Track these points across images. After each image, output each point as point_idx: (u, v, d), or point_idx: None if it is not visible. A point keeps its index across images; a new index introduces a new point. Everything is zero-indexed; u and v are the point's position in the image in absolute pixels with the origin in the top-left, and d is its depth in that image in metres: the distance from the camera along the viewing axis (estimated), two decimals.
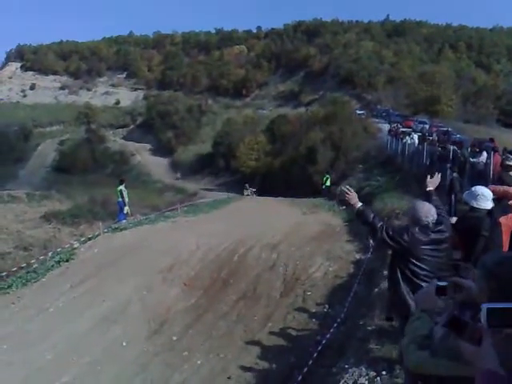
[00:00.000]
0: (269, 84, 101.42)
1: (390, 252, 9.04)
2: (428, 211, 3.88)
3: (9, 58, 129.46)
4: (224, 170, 54.52)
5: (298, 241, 12.86)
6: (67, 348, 7.85)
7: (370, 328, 6.41)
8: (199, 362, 7.49)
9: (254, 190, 34.55)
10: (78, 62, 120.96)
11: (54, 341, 8.05)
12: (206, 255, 11.98)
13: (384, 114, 55.23)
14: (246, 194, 33.04)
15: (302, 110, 64.00)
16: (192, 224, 16.02)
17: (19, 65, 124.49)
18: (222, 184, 48.93)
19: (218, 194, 37.50)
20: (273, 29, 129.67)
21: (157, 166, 66.13)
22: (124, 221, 16.61)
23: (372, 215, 4.07)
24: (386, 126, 39.41)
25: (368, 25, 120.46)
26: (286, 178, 36.23)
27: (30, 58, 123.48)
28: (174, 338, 8.35)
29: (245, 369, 7.03)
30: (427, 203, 4.05)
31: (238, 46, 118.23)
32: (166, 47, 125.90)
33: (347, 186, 4.31)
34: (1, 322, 8.88)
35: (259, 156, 46.83)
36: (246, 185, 34.92)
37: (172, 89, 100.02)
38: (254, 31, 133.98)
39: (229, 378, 6.92)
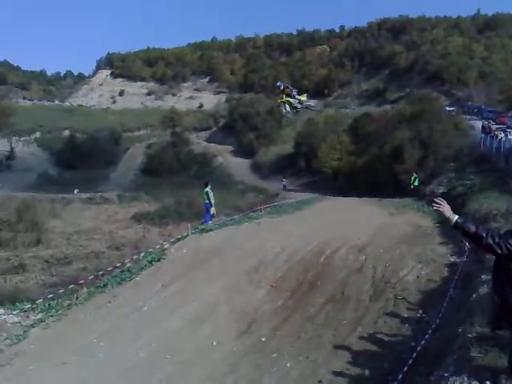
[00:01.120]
0: (352, 83, 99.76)
1: (486, 256, 8.51)
2: None
3: (99, 66, 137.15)
4: (305, 170, 54.23)
5: (386, 243, 12.39)
6: (160, 346, 8.08)
7: (470, 335, 5.99)
8: (288, 364, 7.42)
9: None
10: (163, 68, 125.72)
11: (148, 339, 8.32)
12: (291, 257, 11.89)
13: (476, 110, 52.56)
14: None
15: (387, 107, 62.10)
16: (276, 225, 15.97)
17: (109, 72, 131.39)
18: (304, 184, 48.70)
19: (299, 194, 37.34)
20: (356, 27, 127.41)
21: (239, 167, 67.12)
22: (210, 222, 16.90)
23: (474, 226, 3.79)
24: (478, 123, 37.33)
25: (457, 20, 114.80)
26: (370, 177, 35.30)
27: (119, 66, 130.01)
28: (263, 339, 8.35)
29: (336, 373, 6.86)
30: None
31: (320, 46, 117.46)
32: (248, 50, 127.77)
33: (439, 198, 4.03)
34: (99, 319, 9.32)
35: (342, 155, 46.03)
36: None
37: (254, 91, 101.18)
38: (337, 30, 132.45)
39: (319, 382, 6.78)
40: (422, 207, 19.59)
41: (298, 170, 55.72)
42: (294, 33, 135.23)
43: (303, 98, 14.72)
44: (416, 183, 26.29)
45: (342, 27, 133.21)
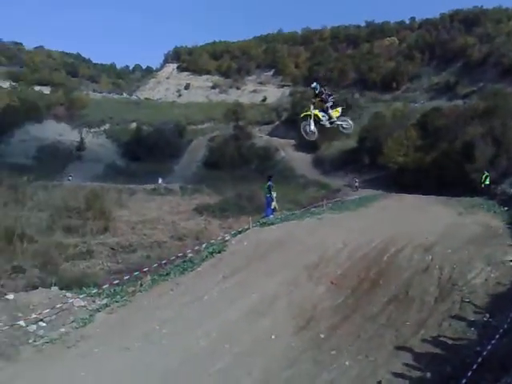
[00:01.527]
0: (421, 76, 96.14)
1: None
2: None
3: (167, 60, 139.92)
4: (369, 166, 52.99)
5: (454, 243, 11.86)
6: (219, 336, 8.17)
7: None
8: (347, 362, 7.33)
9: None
10: (229, 61, 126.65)
11: (208, 328, 8.43)
12: (353, 254, 11.66)
13: None
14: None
15: (458, 102, 59.53)
16: (338, 221, 15.74)
17: (176, 66, 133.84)
18: (367, 181, 47.65)
19: (362, 190, 36.64)
20: (427, 19, 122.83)
21: (300, 162, 66.71)
22: (271, 216, 16.89)
23: None
24: None
25: None
26: (438, 175, 34.02)
27: (186, 59, 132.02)
28: (322, 336, 8.26)
29: (396, 375, 6.73)
30: None
31: (388, 38, 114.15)
32: (314, 43, 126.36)
33: None
34: (161, 306, 9.55)
35: (408, 151, 44.55)
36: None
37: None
38: (407, 22, 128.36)
39: (379, 382, 6.67)
40: (492, 207, 18.70)
41: (362, 166, 54.54)
42: (363, 25, 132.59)
43: (336, 113, 12.14)
44: (487, 182, 25.11)
45: (412, 19, 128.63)
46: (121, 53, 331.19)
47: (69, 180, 50.67)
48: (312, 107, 11.80)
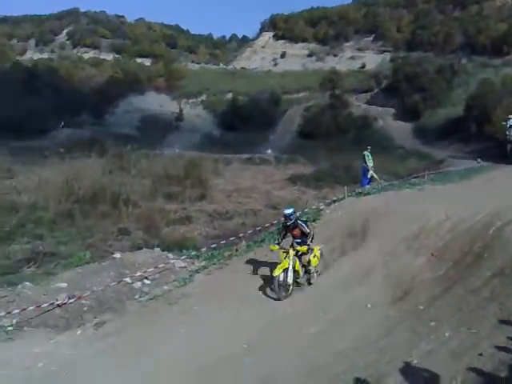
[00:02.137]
0: None
1: None
2: None
3: (263, 29, 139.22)
4: (476, 136, 49.54)
5: None
6: (314, 301, 8.21)
7: None
8: (447, 334, 7.08)
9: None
10: (326, 28, 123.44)
11: (303, 293, 8.53)
12: (456, 226, 11.04)
13: None
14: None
15: None
16: (440, 193, 14.99)
17: (272, 34, 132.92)
18: (473, 151, 44.63)
19: (467, 162, 34.54)
20: None
21: (400, 132, 64.09)
22: (368, 186, 16.49)
23: None
24: None
25: None
26: None
27: (282, 27, 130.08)
28: (421, 307, 8.05)
29: (499, 348, 6.37)
30: None
31: None
32: (418, 5, 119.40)
33: None
34: (261, 270, 9.69)
35: None
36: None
37: (422, 49, 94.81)
38: None
39: (480, 354, 6.34)
40: None
41: (468, 136, 51.06)
42: None
43: (314, 261, 9.09)
44: None
45: None
46: (218, 23, 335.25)
47: (177, 150, 52.68)
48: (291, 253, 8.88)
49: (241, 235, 12.31)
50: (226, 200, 25.38)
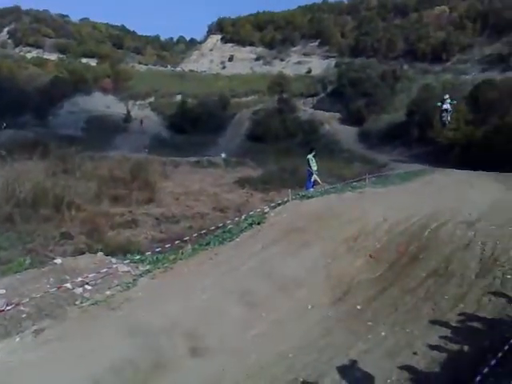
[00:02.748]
0: (473, 47, 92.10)
1: None
2: None
3: (210, 31, 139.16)
4: (418, 140, 51.56)
5: (499, 219, 11.50)
6: (256, 304, 8.34)
7: None
8: (383, 333, 7.42)
9: None
10: (273, 32, 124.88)
11: (245, 296, 8.62)
12: (393, 228, 11.53)
13: None
14: None
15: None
16: (380, 195, 15.53)
17: (219, 37, 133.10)
18: (415, 155, 46.49)
19: (410, 165, 35.83)
20: None
21: (346, 136, 65.65)
22: (311, 189, 16.85)
23: None
24: None
25: None
26: (488, 150, 32.77)
27: (230, 31, 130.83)
28: (358, 308, 8.34)
29: (432, 347, 6.78)
30: None
31: (438, 7, 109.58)
32: (361, 12, 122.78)
33: None
34: (201, 274, 9.81)
35: (459, 125, 42.98)
36: None
37: (365, 55, 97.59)
38: None
39: (414, 353, 6.74)
40: None
41: (410, 140, 53.14)
42: None
43: None
44: None
45: None
46: (165, 25, 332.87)
47: (146, 152, 51.68)
48: None
49: (186, 238, 12.32)
50: (173, 203, 25.25)
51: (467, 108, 43.89)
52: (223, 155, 50.07)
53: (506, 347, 5.80)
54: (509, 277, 8.57)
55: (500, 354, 5.65)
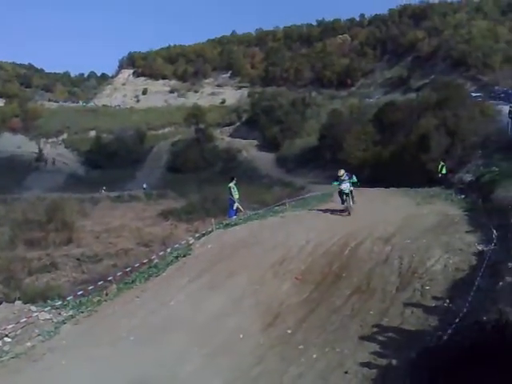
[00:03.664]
0: (374, 71, 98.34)
1: None
2: None
3: (122, 66, 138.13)
4: (331, 162, 53.66)
5: (412, 233, 12.19)
6: (188, 340, 8.21)
7: None
8: (315, 355, 7.45)
9: None
10: (184, 65, 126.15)
11: (176, 333, 8.46)
12: (316, 249, 11.86)
13: (502, 95, 51.35)
14: None
15: (412, 95, 61.01)
16: (301, 218, 15.92)
17: (131, 71, 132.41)
18: (330, 177, 47.96)
19: (325, 187, 37.05)
20: (377, 15, 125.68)
21: (264, 162, 67.02)
22: (234, 217, 16.98)
23: None
24: (505, 108, 36.36)
25: (480, 3, 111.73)
26: (396, 167, 34.68)
27: (141, 64, 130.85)
28: (289, 332, 8.39)
29: (362, 364, 6.87)
30: None
31: (340, 36, 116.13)
32: (268, 43, 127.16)
33: None
34: (127, 314, 9.52)
35: (367, 146, 45.33)
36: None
37: (275, 84, 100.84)
38: (357, 19, 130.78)
39: (346, 372, 6.81)
40: (449, 196, 19.24)
41: (324, 163, 55.22)
42: (314, 23, 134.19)
43: None
44: (444, 171, 25.82)
45: (362, 15, 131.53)
46: (74, 61, 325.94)
47: (103, 191, 49.28)
48: None
49: (110, 278, 11.95)
50: (94, 242, 24.46)
51: (374, 129, 46.35)
52: (145, 185, 49.29)
53: None
54: (428, 288, 8.99)
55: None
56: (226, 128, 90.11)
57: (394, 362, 6.80)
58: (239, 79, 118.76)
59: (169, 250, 14.04)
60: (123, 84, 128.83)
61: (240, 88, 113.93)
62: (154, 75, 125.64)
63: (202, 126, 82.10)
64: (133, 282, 11.57)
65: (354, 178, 16.49)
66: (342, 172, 15.75)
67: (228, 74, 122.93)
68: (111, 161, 72.24)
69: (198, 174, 61.46)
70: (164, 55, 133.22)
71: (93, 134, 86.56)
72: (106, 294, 10.97)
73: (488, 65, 74.53)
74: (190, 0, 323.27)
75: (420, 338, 7.30)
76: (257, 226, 14.67)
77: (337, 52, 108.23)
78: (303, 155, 61.18)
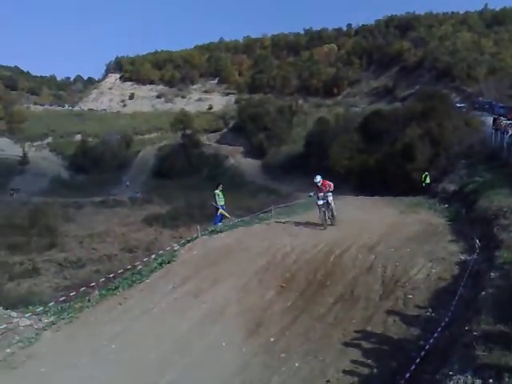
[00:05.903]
0: (361, 81, 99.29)
1: (496, 254, 8.49)
2: None
3: (109, 70, 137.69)
4: (317, 170, 53.65)
5: (396, 242, 12.30)
6: (170, 348, 8.14)
7: (476, 333, 5.97)
8: (297, 364, 7.43)
9: None
10: (172, 70, 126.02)
11: (158, 341, 8.39)
12: (300, 257, 11.86)
13: (486, 106, 52.22)
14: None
15: (397, 105, 61.74)
16: (286, 225, 15.98)
17: (118, 76, 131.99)
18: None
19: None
20: (364, 25, 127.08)
21: (250, 168, 67.10)
22: (220, 223, 16.96)
23: None
24: (489, 119, 36.93)
25: (465, 15, 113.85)
26: (381, 176, 35.01)
27: (128, 69, 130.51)
28: (272, 340, 8.35)
29: (344, 372, 6.88)
30: None
31: (327, 45, 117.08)
32: (256, 51, 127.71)
33: None
34: (110, 321, 9.42)
35: (353, 154, 45.70)
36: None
37: (262, 92, 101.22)
38: (344, 29, 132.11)
39: (328, 381, 6.80)
40: (433, 205, 19.47)
41: (309, 170, 55.28)
42: (302, 32, 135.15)
43: None
44: (427, 181, 26.12)
45: (349, 25, 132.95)
46: (61, 65, 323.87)
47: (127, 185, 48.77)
48: None
49: (92, 284, 11.83)
50: (78, 247, 24.26)
51: (359, 138, 46.71)
52: (139, 194, 48.92)
53: (413, 367, 6.08)
54: (410, 297, 9.04)
55: (408, 375, 5.92)
56: (213, 134, 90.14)
57: (375, 370, 6.83)
58: (226, 86, 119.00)
59: (153, 256, 13.95)
60: (110, 88, 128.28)
61: (227, 95, 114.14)
62: (141, 80, 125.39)
63: (188, 131, 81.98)
64: (116, 288, 11.44)
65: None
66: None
67: (215, 81, 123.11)
68: (97, 165, 71.78)
69: (184, 180, 61.23)
70: (151, 60, 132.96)
71: (78, 137, 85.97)
72: (88, 301, 10.83)
73: (472, 76, 75.95)
74: (179, 6, 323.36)
75: (402, 347, 7.35)
76: (242, 233, 14.68)
77: (323, 61, 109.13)
78: (289, 162, 61.34)
